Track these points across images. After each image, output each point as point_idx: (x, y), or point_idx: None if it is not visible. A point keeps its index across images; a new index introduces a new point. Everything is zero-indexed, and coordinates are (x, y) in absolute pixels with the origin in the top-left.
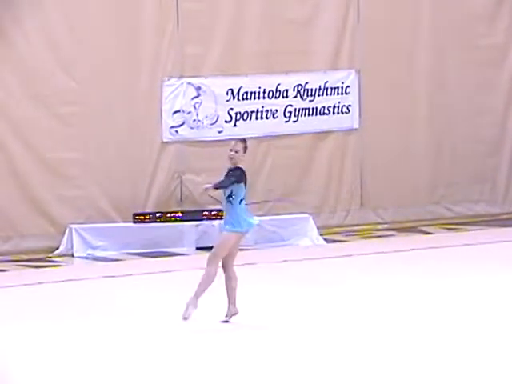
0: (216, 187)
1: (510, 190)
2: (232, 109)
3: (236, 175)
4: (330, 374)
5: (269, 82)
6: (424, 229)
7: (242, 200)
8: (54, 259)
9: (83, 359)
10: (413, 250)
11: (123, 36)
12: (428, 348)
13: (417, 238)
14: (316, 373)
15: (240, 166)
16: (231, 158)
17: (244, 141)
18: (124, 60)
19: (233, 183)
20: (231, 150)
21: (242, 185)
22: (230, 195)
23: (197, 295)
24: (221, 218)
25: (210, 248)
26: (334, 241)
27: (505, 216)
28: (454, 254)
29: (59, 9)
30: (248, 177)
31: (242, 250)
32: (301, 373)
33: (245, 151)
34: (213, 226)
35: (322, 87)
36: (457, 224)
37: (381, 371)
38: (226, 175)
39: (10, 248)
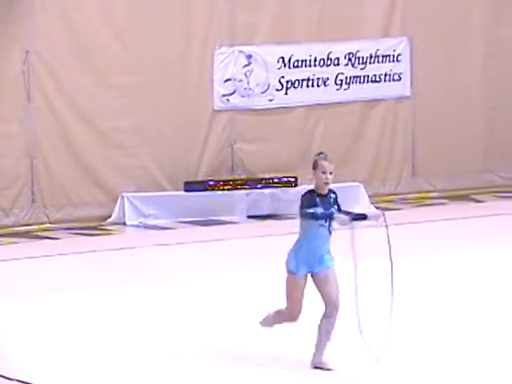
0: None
1: None
2: (283, 77)
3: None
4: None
5: (320, 50)
6: (475, 197)
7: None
8: (106, 227)
9: (131, 325)
10: (465, 218)
11: (176, 5)
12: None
13: (469, 206)
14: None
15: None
16: (327, 184)
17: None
18: (176, 29)
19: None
20: (324, 173)
21: None
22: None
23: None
24: (272, 187)
25: (260, 217)
26: (386, 208)
27: None
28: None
29: None
30: (299, 147)
31: (289, 218)
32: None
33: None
34: (263, 194)
35: (374, 55)
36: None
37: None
38: (335, 203)
39: (62, 216)
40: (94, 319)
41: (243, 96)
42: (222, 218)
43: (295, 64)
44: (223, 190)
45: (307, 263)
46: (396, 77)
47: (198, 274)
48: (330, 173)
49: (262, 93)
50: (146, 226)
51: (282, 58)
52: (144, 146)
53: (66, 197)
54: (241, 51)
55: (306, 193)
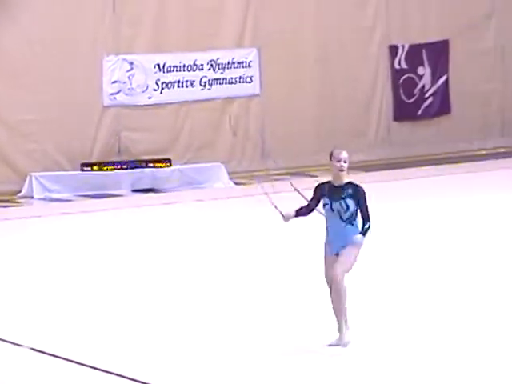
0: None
1: (385, 141)
2: (159, 79)
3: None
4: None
5: (188, 58)
6: (312, 173)
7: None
8: (17, 200)
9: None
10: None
11: (72, 20)
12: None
13: (307, 180)
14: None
15: (353, 182)
16: (342, 171)
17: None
18: (73, 40)
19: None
20: (339, 161)
21: None
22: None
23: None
24: (151, 167)
25: (142, 190)
26: (241, 183)
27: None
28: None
29: None
30: (172, 135)
31: (165, 192)
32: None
33: None
34: (144, 172)
35: (230, 62)
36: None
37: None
38: (361, 197)
39: None
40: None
41: (127, 94)
42: (112, 192)
43: (168, 69)
44: (112, 169)
45: (330, 246)
46: (248, 79)
47: (92, 235)
48: (345, 161)
49: (143, 92)
50: (51, 199)
51: (158, 64)
52: (48, 135)
53: None
54: (124, 59)
55: (320, 183)
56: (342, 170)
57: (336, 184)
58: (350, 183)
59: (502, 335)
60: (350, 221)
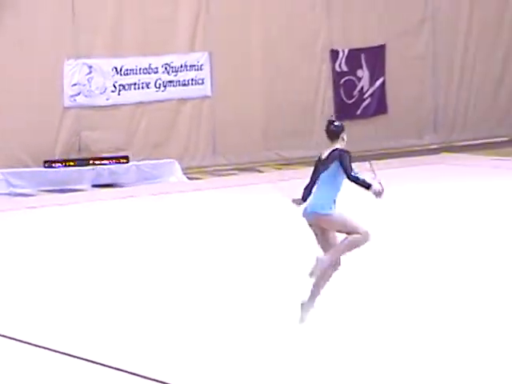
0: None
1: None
2: (116, 82)
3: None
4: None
5: (143, 62)
6: (259, 168)
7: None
8: None
9: None
10: (252, 184)
11: (34, 27)
12: None
13: (253, 175)
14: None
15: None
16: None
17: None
18: (35, 45)
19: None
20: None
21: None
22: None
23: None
24: (109, 163)
25: (102, 185)
26: (194, 178)
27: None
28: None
29: None
30: (129, 134)
31: (123, 187)
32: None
33: None
34: (103, 168)
35: (183, 65)
36: (288, 165)
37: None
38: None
39: None
40: None
41: (86, 96)
42: (73, 187)
43: (125, 72)
44: (74, 166)
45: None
46: (200, 81)
47: (56, 227)
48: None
49: (101, 94)
50: (15, 194)
51: (116, 67)
52: (12, 134)
53: None
54: (84, 63)
55: (346, 152)
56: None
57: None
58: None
59: (493, 328)
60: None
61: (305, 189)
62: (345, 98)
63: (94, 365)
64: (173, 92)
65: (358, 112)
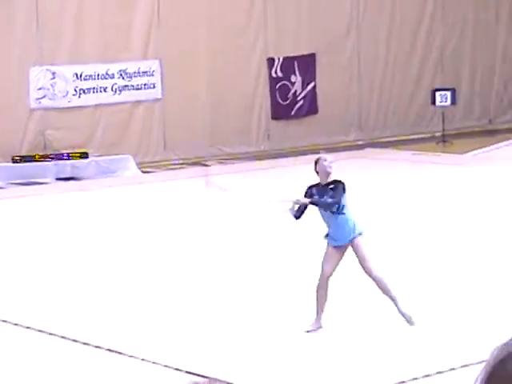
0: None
1: (265, 136)
2: (77, 86)
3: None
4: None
5: (101, 68)
6: (205, 163)
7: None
8: None
9: None
10: (198, 176)
11: (1, 36)
12: None
13: (199, 169)
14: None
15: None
16: (329, 174)
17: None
18: (3, 52)
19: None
20: (326, 161)
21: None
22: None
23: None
24: (71, 158)
25: (64, 179)
26: (147, 172)
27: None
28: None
29: None
30: (88, 133)
31: (83, 180)
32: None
33: None
34: (66, 163)
35: (137, 71)
36: (231, 159)
37: None
38: (334, 190)
39: None
40: None
41: (50, 99)
42: (39, 180)
43: (85, 78)
44: (39, 161)
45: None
46: (152, 86)
47: (24, 217)
48: (331, 162)
49: (63, 97)
50: None
51: (76, 73)
52: None
53: None
54: (48, 69)
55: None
56: (329, 173)
57: (323, 183)
58: (333, 181)
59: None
60: (340, 212)
61: None
62: (280, 100)
63: (89, 347)
64: (127, 95)
65: (292, 113)
